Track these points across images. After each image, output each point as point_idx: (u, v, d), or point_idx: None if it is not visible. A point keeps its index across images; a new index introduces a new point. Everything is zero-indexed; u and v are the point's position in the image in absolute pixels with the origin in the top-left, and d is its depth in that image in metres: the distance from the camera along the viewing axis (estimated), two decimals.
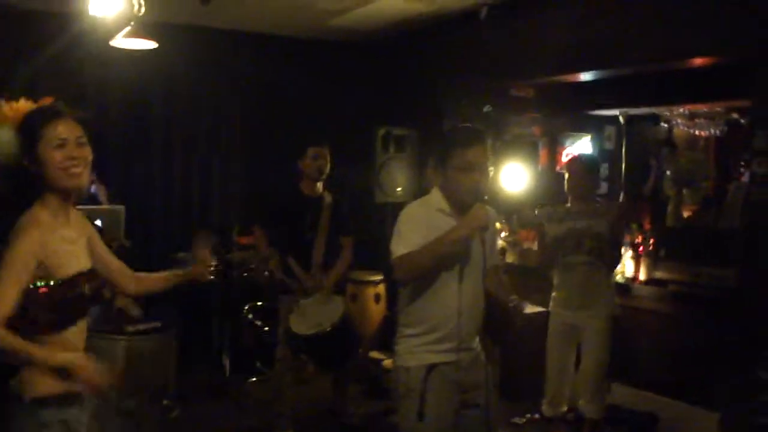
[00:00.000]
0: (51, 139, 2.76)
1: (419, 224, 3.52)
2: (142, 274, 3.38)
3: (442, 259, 3.46)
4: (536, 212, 5.52)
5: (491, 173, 3.63)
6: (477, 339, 3.69)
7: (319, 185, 5.75)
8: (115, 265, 3.23)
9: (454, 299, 3.49)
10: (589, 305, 5.08)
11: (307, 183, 5.73)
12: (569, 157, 5.59)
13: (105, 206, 6.65)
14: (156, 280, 3.43)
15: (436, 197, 3.62)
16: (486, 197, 3.51)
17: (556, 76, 6.94)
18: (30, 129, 2.77)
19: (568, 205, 5.26)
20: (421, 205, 3.68)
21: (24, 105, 2.84)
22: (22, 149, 2.76)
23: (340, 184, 6.33)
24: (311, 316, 5.40)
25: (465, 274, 3.53)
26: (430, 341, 3.54)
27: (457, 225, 3.44)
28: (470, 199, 3.47)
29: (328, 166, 5.75)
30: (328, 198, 5.77)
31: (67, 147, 2.78)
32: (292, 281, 5.65)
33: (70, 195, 2.87)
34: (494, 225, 3.85)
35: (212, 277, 3.44)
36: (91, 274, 2.89)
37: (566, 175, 5.28)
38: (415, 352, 3.56)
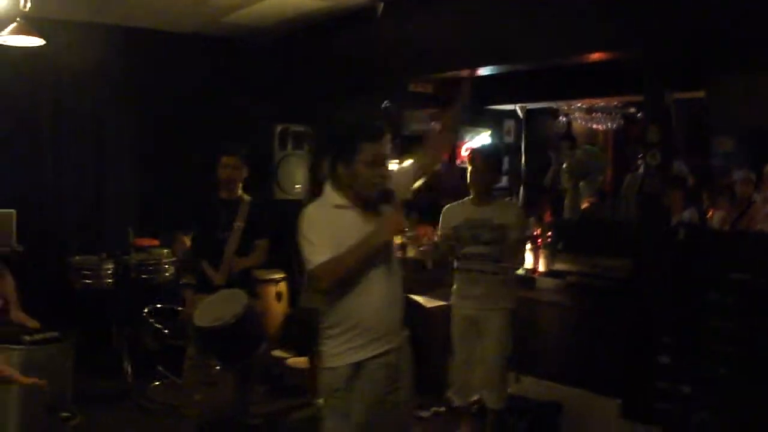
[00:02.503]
0: None
1: (323, 226, 3.42)
2: None
3: (365, 263, 3.38)
4: (443, 210, 5.49)
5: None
6: (402, 334, 3.64)
7: (236, 190, 5.69)
8: None
9: (376, 295, 3.44)
10: (489, 298, 5.10)
11: (223, 189, 5.67)
12: (470, 149, 5.59)
13: None
14: None
15: (329, 194, 3.52)
16: (392, 190, 3.48)
17: (453, 71, 6.97)
18: None
19: (470, 197, 5.27)
20: (318, 206, 3.55)
21: None
22: None
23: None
24: (215, 310, 5.33)
25: (384, 268, 3.48)
26: (354, 339, 3.46)
27: (376, 231, 3.37)
28: (375, 193, 3.43)
29: (242, 172, 5.66)
30: (246, 200, 5.71)
31: None
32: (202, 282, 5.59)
33: None
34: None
35: None
36: None
37: (468, 168, 5.28)
38: (339, 352, 3.49)
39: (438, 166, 4.05)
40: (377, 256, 3.43)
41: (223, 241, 5.58)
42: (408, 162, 3.90)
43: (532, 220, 6.27)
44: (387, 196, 3.44)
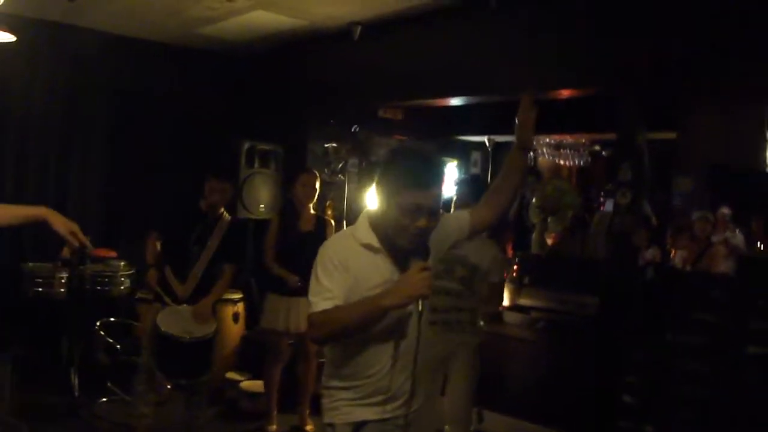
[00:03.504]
0: None
1: (339, 269, 2.93)
2: None
3: (367, 325, 2.89)
4: None
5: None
6: (421, 397, 3.22)
7: (218, 209, 5.62)
8: None
9: (390, 351, 3.00)
10: (456, 335, 4.99)
11: (205, 204, 5.58)
12: (457, 184, 5.50)
13: None
14: None
15: (362, 230, 3.03)
16: (428, 246, 2.96)
17: (423, 99, 6.98)
18: None
19: None
20: (344, 238, 3.11)
21: None
22: None
23: None
24: (181, 322, 5.26)
25: (404, 326, 2.99)
26: (359, 395, 3.05)
27: (391, 291, 2.81)
28: (408, 245, 2.90)
29: (225, 200, 5.68)
30: (226, 218, 5.63)
31: None
32: (164, 290, 5.49)
33: None
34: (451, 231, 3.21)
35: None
36: None
37: (453, 205, 5.17)
38: (341, 407, 3.09)
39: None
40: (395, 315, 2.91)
41: (192, 255, 5.54)
42: (463, 213, 3.32)
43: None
44: (421, 250, 2.91)
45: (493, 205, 3.30)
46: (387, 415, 3.05)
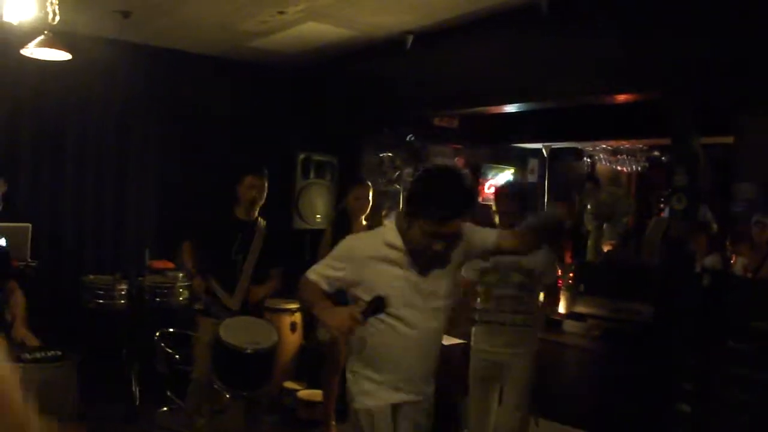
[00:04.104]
0: None
1: (350, 256, 3.35)
2: None
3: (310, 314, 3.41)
4: None
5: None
6: (429, 388, 3.53)
7: (254, 212, 5.61)
8: None
9: (407, 340, 3.32)
10: (513, 342, 4.95)
11: (241, 209, 5.58)
12: (497, 190, 5.45)
13: (10, 224, 6.39)
14: None
15: (390, 233, 3.34)
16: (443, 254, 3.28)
17: (479, 107, 6.94)
18: None
19: None
20: (369, 236, 3.49)
21: None
22: None
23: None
24: (242, 332, 5.26)
25: (425, 314, 3.34)
26: (388, 380, 3.36)
27: (328, 310, 3.27)
28: (424, 264, 3.29)
29: (264, 195, 5.59)
30: (262, 224, 5.63)
31: None
32: (214, 301, 5.50)
33: None
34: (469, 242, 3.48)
35: None
36: None
37: (493, 207, 5.14)
38: (372, 392, 3.38)
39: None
40: (406, 299, 3.28)
41: (236, 263, 5.52)
42: (491, 233, 3.58)
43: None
44: (438, 260, 3.26)
45: (525, 243, 3.64)
46: (414, 398, 3.38)
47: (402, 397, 3.36)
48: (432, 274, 3.32)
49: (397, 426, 3.37)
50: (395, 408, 3.36)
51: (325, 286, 3.36)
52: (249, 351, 5.10)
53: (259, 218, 5.66)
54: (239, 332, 5.24)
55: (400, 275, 3.28)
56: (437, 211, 3.13)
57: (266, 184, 5.59)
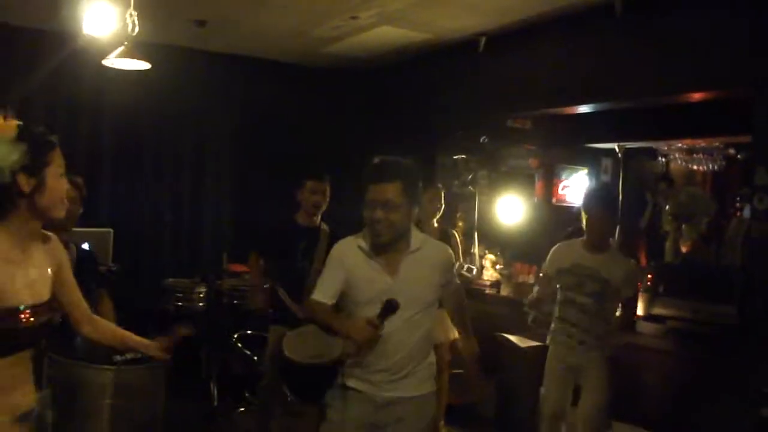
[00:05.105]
0: (58, 167, 2.72)
1: (338, 264, 3.53)
2: (103, 324, 3.24)
3: (329, 330, 3.56)
4: (552, 249, 5.30)
5: (415, 212, 3.52)
6: (417, 380, 3.57)
7: (316, 217, 5.63)
8: (72, 299, 3.04)
9: (389, 340, 3.41)
10: (589, 346, 4.91)
11: (302, 214, 5.60)
12: (587, 194, 5.33)
13: (93, 229, 6.54)
14: (114, 337, 3.26)
15: (363, 234, 3.55)
16: (413, 244, 3.48)
17: (553, 108, 6.90)
18: (38, 152, 2.68)
19: (583, 239, 5.05)
20: (349, 241, 3.59)
21: (12, 122, 2.74)
22: (26, 169, 2.65)
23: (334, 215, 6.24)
24: (308, 344, 5.23)
25: (408, 316, 3.43)
26: (350, 365, 3.57)
27: (345, 325, 3.44)
28: (374, 239, 3.42)
29: (327, 200, 5.60)
30: (325, 229, 5.63)
31: (65, 178, 2.76)
32: (282, 312, 5.52)
33: (50, 222, 2.79)
34: (444, 257, 3.67)
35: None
36: (36, 309, 2.74)
37: (584, 216, 5.06)
38: (343, 373, 3.63)
39: None
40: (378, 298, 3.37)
41: (302, 270, 5.47)
42: (450, 258, 3.74)
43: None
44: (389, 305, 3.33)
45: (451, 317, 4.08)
46: (370, 390, 3.51)
47: (355, 384, 3.55)
48: (402, 277, 3.43)
49: (339, 398, 3.57)
50: (347, 387, 3.56)
51: (331, 301, 3.52)
52: (306, 364, 5.08)
53: (323, 223, 5.68)
54: (303, 343, 5.19)
55: (374, 277, 3.43)
56: (367, 176, 3.42)
57: (328, 189, 5.59)
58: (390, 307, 3.27)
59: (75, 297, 3.05)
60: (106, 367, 4.91)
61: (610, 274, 4.81)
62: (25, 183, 2.64)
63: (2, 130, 2.69)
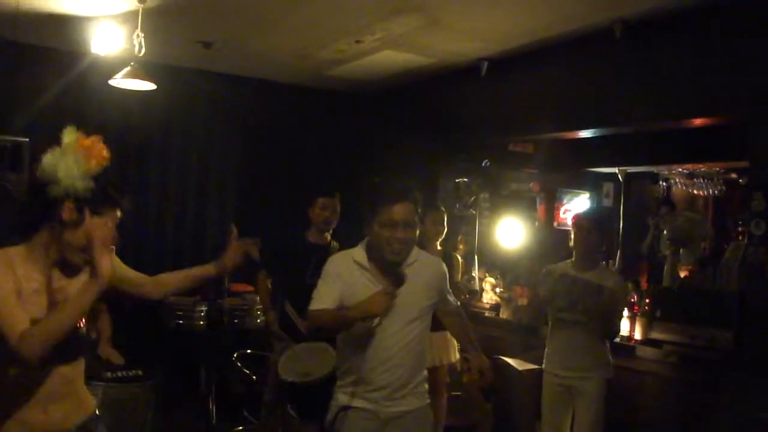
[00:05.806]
0: (103, 225, 2.78)
1: (335, 278, 3.56)
2: (162, 277, 3.35)
3: (340, 328, 3.52)
4: (543, 270, 5.36)
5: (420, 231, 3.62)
6: (415, 394, 3.63)
7: (327, 234, 5.68)
8: (133, 277, 3.19)
9: (374, 347, 3.49)
10: (583, 366, 4.94)
11: (313, 232, 5.65)
12: (576, 212, 5.46)
13: None
14: (178, 278, 3.39)
15: (358, 249, 3.62)
16: (403, 275, 3.47)
17: (555, 132, 6.95)
18: (100, 196, 2.75)
19: (572, 260, 5.15)
20: (343, 256, 3.69)
21: (103, 151, 2.77)
22: (78, 202, 2.66)
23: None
24: (302, 362, 5.26)
25: (405, 325, 3.52)
26: (348, 383, 3.58)
27: (355, 307, 3.39)
28: (392, 258, 3.46)
29: (337, 216, 5.67)
30: (335, 246, 5.67)
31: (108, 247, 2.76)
32: (285, 334, 5.55)
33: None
34: (437, 269, 3.76)
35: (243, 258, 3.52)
36: (86, 317, 2.80)
37: (573, 231, 5.16)
38: (336, 392, 3.63)
39: None
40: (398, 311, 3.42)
41: (312, 287, 5.51)
42: (443, 271, 3.82)
43: (630, 286, 6.08)
44: (398, 279, 3.42)
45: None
46: (371, 406, 3.52)
47: (354, 402, 3.54)
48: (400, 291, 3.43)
49: (339, 424, 3.55)
50: (345, 408, 3.54)
51: (332, 305, 3.51)
52: (298, 381, 5.08)
53: (332, 241, 5.72)
54: (302, 360, 5.21)
55: (372, 290, 3.43)
56: (386, 195, 3.45)
57: (338, 206, 5.67)
58: (400, 278, 3.39)
59: (130, 273, 3.19)
60: (95, 383, 4.96)
61: (602, 280, 4.92)
62: (68, 212, 2.65)
63: (90, 150, 2.71)
